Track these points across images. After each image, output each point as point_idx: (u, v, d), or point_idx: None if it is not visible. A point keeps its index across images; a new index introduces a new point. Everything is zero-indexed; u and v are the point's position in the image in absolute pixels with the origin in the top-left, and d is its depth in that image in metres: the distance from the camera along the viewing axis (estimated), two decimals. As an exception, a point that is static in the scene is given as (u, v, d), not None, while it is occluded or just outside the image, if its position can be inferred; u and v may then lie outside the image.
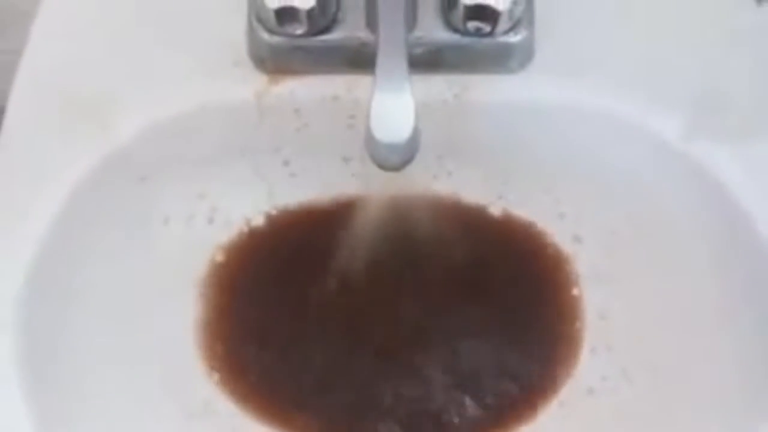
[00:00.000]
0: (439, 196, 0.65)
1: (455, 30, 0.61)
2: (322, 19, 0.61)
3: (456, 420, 0.62)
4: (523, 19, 0.61)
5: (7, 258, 0.58)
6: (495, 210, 0.66)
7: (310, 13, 0.60)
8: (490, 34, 0.61)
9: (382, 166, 0.55)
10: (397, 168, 0.55)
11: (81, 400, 0.59)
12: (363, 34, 0.61)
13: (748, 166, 0.61)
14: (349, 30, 0.61)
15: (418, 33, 0.61)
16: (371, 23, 0.60)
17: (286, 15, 0.60)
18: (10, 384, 0.56)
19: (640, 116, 0.62)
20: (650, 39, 0.63)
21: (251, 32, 0.62)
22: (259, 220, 0.65)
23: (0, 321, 0.57)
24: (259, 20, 0.61)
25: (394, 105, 0.54)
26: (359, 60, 0.61)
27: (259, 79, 0.63)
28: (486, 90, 0.62)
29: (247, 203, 0.65)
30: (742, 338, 0.60)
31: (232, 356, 0.63)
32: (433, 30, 0.61)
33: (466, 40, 0.61)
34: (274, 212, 0.65)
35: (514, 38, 0.61)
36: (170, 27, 0.64)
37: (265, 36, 0.61)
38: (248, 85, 0.63)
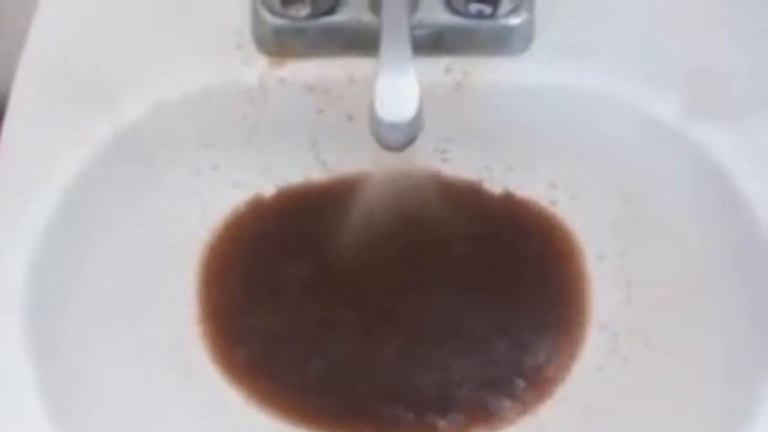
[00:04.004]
0: (440, 176, 0.65)
1: (457, 12, 0.62)
2: (325, 2, 0.61)
3: (456, 403, 0.62)
4: (524, 1, 0.62)
5: (15, 239, 0.59)
6: (495, 190, 0.66)
7: (313, -5, 0.61)
8: (492, 16, 0.62)
9: (386, 146, 0.56)
10: (401, 148, 0.55)
11: (90, 378, 0.59)
12: (366, 16, 0.61)
13: (745, 145, 0.61)
14: (352, 12, 0.62)
15: (419, 15, 0.61)
16: (374, 5, 0.61)
17: (290, -3, 0.61)
18: (20, 362, 0.56)
19: (638, 98, 0.62)
20: (649, 20, 0.64)
21: (255, 14, 0.62)
22: (262, 200, 0.66)
23: (9, 301, 0.58)
24: (263, 2, 0.62)
25: (398, 85, 0.55)
26: (362, 42, 0.61)
27: (263, 61, 0.63)
28: (487, 72, 0.63)
29: (250, 183, 0.65)
30: (737, 313, 0.61)
31: (230, 333, 0.63)
32: (434, 12, 0.62)
33: (467, 23, 0.62)
34: (277, 192, 0.66)
35: (515, 21, 0.62)
36: (173, 9, 0.64)
37: (269, 18, 0.62)
38: (251, 67, 0.63)
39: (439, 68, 0.63)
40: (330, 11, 0.62)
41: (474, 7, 0.61)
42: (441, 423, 0.62)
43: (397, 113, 0.54)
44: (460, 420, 0.62)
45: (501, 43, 0.62)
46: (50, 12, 0.64)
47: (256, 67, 0.63)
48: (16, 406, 0.56)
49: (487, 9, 0.61)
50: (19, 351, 0.57)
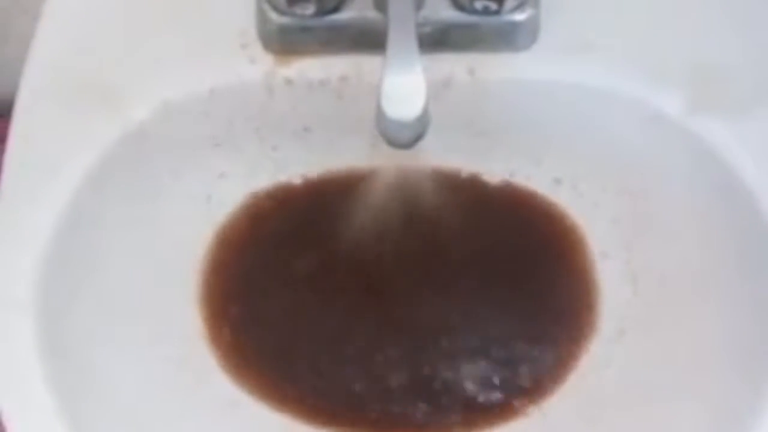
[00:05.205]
0: (445, 172, 0.66)
1: (462, 8, 0.62)
2: (330, 0, 0.61)
3: (462, 396, 0.63)
4: (530, -3, 0.62)
5: (25, 241, 0.59)
6: (500, 185, 0.66)
7: (319, -7, 0.61)
8: (497, 12, 0.62)
9: (393, 143, 0.56)
10: (408, 145, 0.56)
11: (99, 377, 0.60)
12: (371, 13, 0.61)
13: (749, 140, 0.61)
14: (358, 10, 0.62)
15: (425, 12, 0.61)
16: (379, 3, 0.61)
17: (295, -5, 0.61)
18: (31, 362, 0.57)
19: (642, 93, 0.63)
20: (653, 16, 0.64)
21: (260, 13, 0.62)
22: (269, 198, 0.66)
23: (19, 302, 0.58)
24: (268, 1, 0.62)
25: (405, 82, 0.55)
26: (367, 40, 0.61)
27: (268, 60, 0.63)
28: (492, 68, 0.63)
29: (257, 182, 0.66)
30: (742, 307, 0.61)
31: (236, 329, 0.64)
32: (440, 9, 0.62)
33: (473, 19, 0.62)
34: (284, 190, 0.66)
35: (520, 17, 0.62)
36: (178, 9, 0.64)
37: (274, 16, 0.62)
38: (257, 66, 0.63)
39: (445, 65, 0.63)
40: (335, 9, 0.62)
41: (480, 4, 0.61)
42: (448, 417, 0.62)
43: (404, 111, 0.54)
44: (467, 414, 0.62)
45: (506, 39, 0.63)
46: (56, 14, 0.64)
47: (262, 66, 0.63)
48: (27, 404, 0.56)
49: (492, 5, 0.61)
50: (30, 351, 0.57)
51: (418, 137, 0.55)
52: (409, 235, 0.65)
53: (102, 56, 0.63)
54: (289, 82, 0.63)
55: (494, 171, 0.66)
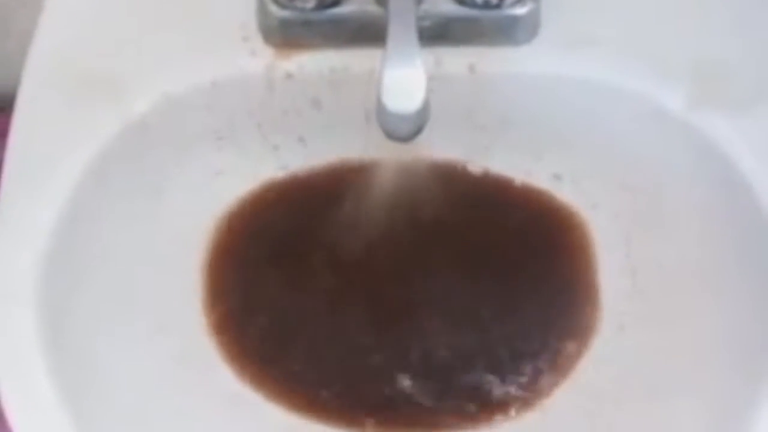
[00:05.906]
0: (446, 166, 0.66)
1: (462, 2, 0.62)
2: (331, -7, 0.62)
3: (463, 390, 0.63)
4: (530, -9, 0.62)
5: (26, 234, 0.59)
6: (500, 180, 0.66)
7: (319, -13, 0.61)
8: (498, 6, 0.62)
9: (393, 137, 0.56)
10: (408, 138, 0.56)
11: (100, 370, 0.60)
12: (372, 7, 0.61)
13: (750, 135, 0.61)
14: (358, 4, 0.62)
15: (425, 6, 0.61)
16: (380, -3, 0.61)
17: (296, -11, 0.61)
18: (33, 354, 0.57)
19: (644, 88, 0.63)
20: (654, 11, 0.64)
21: (261, 6, 0.62)
22: (270, 191, 0.66)
23: (21, 294, 0.58)
24: (270, -6, 0.62)
25: (405, 75, 0.55)
26: (368, 34, 0.61)
27: (269, 54, 0.63)
28: (493, 62, 0.63)
29: (258, 174, 0.66)
30: (742, 301, 0.61)
31: (237, 323, 0.64)
32: (440, 2, 0.62)
33: (473, 13, 0.62)
34: (285, 183, 0.66)
35: (521, 11, 0.62)
36: (180, 3, 0.64)
37: (275, 10, 0.62)
38: (258, 59, 0.63)
39: (446, 59, 0.63)
40: (336, 3, 0.62)
41: (480, -3, 0.62)
42: (449, 414, 0.62)
43: (404, 104, 0.55)
44: (468, 411, 0.62)
45: (507, 33, 0.63)
46: (58, 8, 0.65)
47: (262, 59, 0.63)
48: (30, 398, 0.56)
49: (493, -1, 0.62)
50: (33, 345, 0.57)
51: (417, 131, 0.56)
52: (409, 229, 0.65)
53: (103, 49, 0.64)
54: (289, 75, 0.63)
55: (494, 165, 0.66)
